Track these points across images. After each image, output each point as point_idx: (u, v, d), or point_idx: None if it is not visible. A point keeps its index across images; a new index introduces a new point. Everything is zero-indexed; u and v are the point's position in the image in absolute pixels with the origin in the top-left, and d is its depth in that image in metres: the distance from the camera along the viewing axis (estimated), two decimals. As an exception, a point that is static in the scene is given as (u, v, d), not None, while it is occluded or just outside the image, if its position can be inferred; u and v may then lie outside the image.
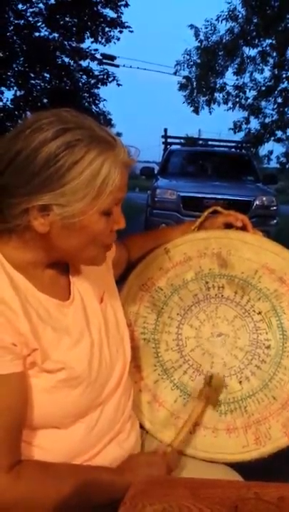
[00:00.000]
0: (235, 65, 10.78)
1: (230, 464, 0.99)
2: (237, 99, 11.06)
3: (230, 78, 11.14)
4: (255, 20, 10.03)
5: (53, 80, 10.56)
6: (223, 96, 11.12)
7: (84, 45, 10.57)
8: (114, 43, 10.58)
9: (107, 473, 0.82)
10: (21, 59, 10.03)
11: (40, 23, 10.14)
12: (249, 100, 11.04)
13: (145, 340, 1.05)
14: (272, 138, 11.17)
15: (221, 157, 8.20)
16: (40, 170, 0.72)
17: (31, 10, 9.98)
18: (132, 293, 1.07)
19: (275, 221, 6.10)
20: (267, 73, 10.83)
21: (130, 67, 14.05)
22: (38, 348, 0.76)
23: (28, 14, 10.02)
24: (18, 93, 10.25)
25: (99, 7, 10.07)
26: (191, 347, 1.03)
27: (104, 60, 11.10)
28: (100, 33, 10.38)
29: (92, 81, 10.83)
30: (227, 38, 10.53)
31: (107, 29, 10.39)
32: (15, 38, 9.89)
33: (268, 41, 10.37)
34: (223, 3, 10.13)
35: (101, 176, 0.74)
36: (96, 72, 10.81)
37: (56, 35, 10.35)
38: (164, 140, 8.68)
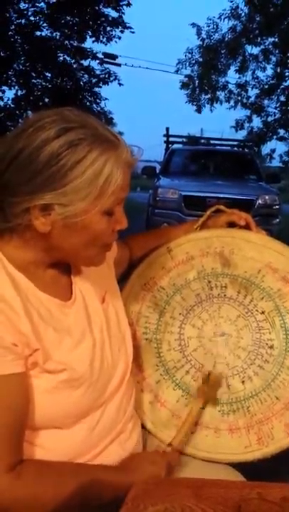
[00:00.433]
0: (238, 64, 10.76)
1: (233, 464, 0.98)
2: (239, 98, 11.04)
3: (232, 76, 11.13)
4: (257, 19, 10.01)
5: (55, 79, 10.56)
6: (226, 94, 11.10)
7: (85, 45, 10.57)
8: (116, 42, 10.57)
9: (109, 473, 0.82)
10: (23, 58, 10.03)
11: (41, 22, 10.14)
12: (251, 99, 11.03)
13: (147, 340, 1.05)
14: (275, 136, 11.15)
15: (223, 156, 8.19)
16: (42, 169, 0.71)
17: (33, 9, 9.98)
18: (134, 292, 1.07)
19: (277, 220, 6.09)
20: (269, 71, 10.82)
21: (132, 66, 14.04)
22: (39, 348, 0.75)
23: (30, 13, 10.01)
24: (20, 92, 10.26)
25: (100, 6, 10.05)
26: (193, 347, 1.03)
27: (105, 59, 11.10)
28: (102, 33, 10.37)
29: (94, 80, 10.82)
30: (229, 36, 10.52)
31: (108, 28, 10.38)
32: (16, 37, 9.89)
33: (271, 39, 10.35)
34: (226, 2, 10.13)
35: (103, 175, 0.74)
36: (97, 72, 10.81)
37: (58, 34, 10.35)
38: (165, 139, 8.68)
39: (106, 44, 10.54)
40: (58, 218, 0.74)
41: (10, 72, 10.03)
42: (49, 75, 10.55)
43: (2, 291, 0.74)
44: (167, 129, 8.72)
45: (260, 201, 6.03)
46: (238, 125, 11.31)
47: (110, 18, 10.27)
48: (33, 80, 10.43)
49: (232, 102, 11.11)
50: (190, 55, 11.01)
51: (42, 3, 9.99)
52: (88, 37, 10.42)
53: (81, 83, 10.82)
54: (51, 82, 10.60)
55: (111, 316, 0.92)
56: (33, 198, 0.72)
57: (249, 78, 10.91)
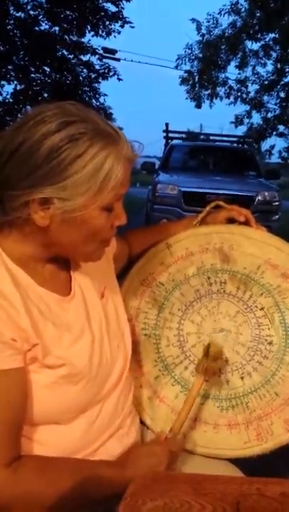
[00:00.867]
0: (238, 59, 10.72)
1: (232, 460, 0.98)
2: (239, 94, 11.01)
3: (232, 72, 11.10)
4: (258, 14, 9.96)
5: (54, 74, 10.50)
6: (225, 90, 11.07)
7: (85, 39, 10.52)
8: (115, 36, 10.52)
9: (108, 468, 0.81)
10: (21, 53, 9.97)
11: (41, 17, 10.08)
12: (251, 94, 11.00)
13: (146, 335, 1.05)
14: (275, 133, 11.12)
15: (223, 152, 8.18)
16: (42, 162, 0.71)
17: (32, 3, 9.91)
18: (133, 288, 1.07)
19: (277, 216, 6.08)
20: (270, 67, 10.78)
21: (131, 61, 13.98)
22: (38, 343, 0.75)
23: (29, 7, 9.95)
24: (19, 87, 10.21)
25: (100, 1, 9.99)
26: (192, 343, 1.03)
27: (105, 54, 11.04)
28: (101, 27, 10.31)
29: (93, 75, 10.77)
30: (229, 32, 10.46)
31: (108, 23, 10.32)
32: (15, 31, 9.82)
33: (271, 35, 10.31)
34: (226, -3, 10.07)
35: (104, 170, 0.73)
36: (97, 67, 10.75)
37: (57, 28, 10.29)
38: (165, 135, 8.67)
39: (105, 39, 10.49)
40: (57, 212, 0.74)
41: (9, 67, 9.98)
42: (48, 69, 10.50)
43: (1, 286, 0.74)
44: (167, 125, 8.71)
45: (259, 197, 6.02)
46: (238, 120, 11.28)
47: (110, 13, 10.20)
48: (32, 75, 10.37)
49: (232, 98, 11.08)
50: (190, 51, 10.96)
51: (41, -3, 9.95)
52: (88, 31, 10.37)
53: (80, 78, 10.77)
54: (50, 76, 10.55)
55: (110, 311, 0.92)
56: (32, 192, 0.72)
57: (249, 74, 10.88)
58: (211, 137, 10.38)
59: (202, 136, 12.64)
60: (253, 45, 10.62)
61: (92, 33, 10.30)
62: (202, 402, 1.00)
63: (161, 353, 1.04)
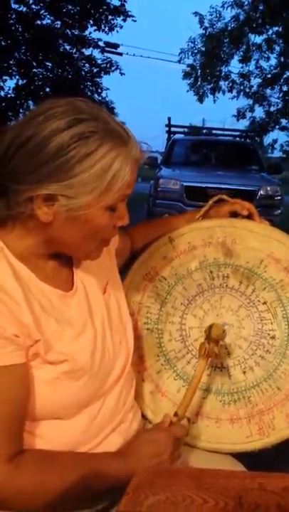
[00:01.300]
0: (241, 53, 10.67)
1: (234, 455, 0.98)
2: (242, 88, 10.97)
3: (235, 66, 11.04)
4: (261, 8, 9.90)
5: (56, 68, 10.47)
6: (228, 84, 11.02)
7: (86, 33, 10.47)
8: (117, 31, 10.47)
9: (111, 460, 0.81)
10: (23, 47, 9.94)
11: (42, 11, 10.03)
12: (254, 88, 10.95)
13: (148, 330, 1.05)
14: (277, 126, 11.08)
15: (225, 146, 8.14)
16: (50, 159, 0.70)
17: (34, -3, 9.88)
18: (136, 282, 1.06)
19: (279, 211, 6.07)
20: (273, 61, 10.73)
21: (133, 55, 13.94)
22: (40, 339, 0.75)
23: (31, 1, 9.91)
24: (20, 82, 10.19)
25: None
26: (194, 337, 1.02)
27: (107, 48, 10.99)
28: (103, 21, 10.26)
29: (95, 70, 10.74)
30: (232, 25, 10.43)
31: (110, 17, 10.27)
32: (17, 25, 9.79)
33: (274, 29, 10.25)
34: (229, -10, 10.01)
35: (112, 171, 0.73)
36: (99, 61, 10.72)
37: (59, 23, 10.25)
38: (167, 129, 8.63)
39: (108, 33, 10.45)
40: (61, 210, 0.73)
41: (10, 62, 9.95)
42: (50, 64, 10.47)
43: (3, 281, 0.74)
44: (169, 119, 8.67)
45: (262, 192, 6.00)
46: (240, 114, 11.24)
47: (112, 7, 10.16)
48: (34, 70, 10.35)
49: (234, 92, 11.04)
50: (192, 44, 10.94)
51: (43, -9, 9.90)
52: (90, 26, 10.33)
53: (82, 73, 10.73)
54: (52, 71, 10.52)
55: (112, 306, 0.91)
56: (37, 187, 0.71)
57: (252, 68, 10.84)
58: (214, 131, 10.33)
59: (204, 131, 12.59)
60: (256, 39, 10.60)
61: (95, 27, 10.26)
62: (204, 396, 1.00)
63: (163, 347, 1.04)
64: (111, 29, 10.43)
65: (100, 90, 10.89)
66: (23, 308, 0.74)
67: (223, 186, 5.65)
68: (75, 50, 10.60)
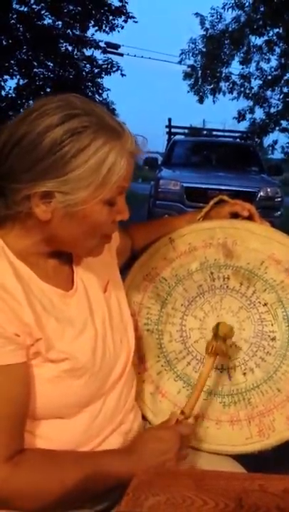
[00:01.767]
0: (241, 54, 10.69)
1: (234, 456, 0.98)
2: (242, 89, 10.98)
3: (235, 67, 11.06)
4: (261, 9, 9.92)
5: (57, 68, 10.48)
6: (228, 85, 11.03)
7: (88, 34, 10.47)
8: (118, 31, 10.47)
9: (113, 458, 0.80)
10: (24, 47, 9.95)
11: (44, 11, 10.04)
12: (254, 89, 10.96)
13: (149, 331, 1.04)
14: (277, 128, 11.09)
15: (226, 147, 8.16)
16: (45, 155, 0.70)
17: (35, -3, 9.88)
18: (136, 283, 1.06)
19: (279, 212, 6.08)
20: (273, 63, 10.75)
21: (134, 56, 13.95)
22: (41, 338, 0.75)
23: (32, 1, 9.91)
24: (21, 82, 10.19)
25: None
26: (195, 338, 1.02)
27: (108, 49, 11.00)
28: (104, 22, 10.27)
29: (96, 70, 10.74)
30: (233, 27, 10.45)
31: (111, 17, 10.28)
32: (18, 25, 9.80)
33: (275, 30, 10.27)
34: (230, -9, 10.03)
35: (106, 164, 0.73)
36: (100, 62, 10.72)
37: (60, 23, 10.25)
38: (168, 130, 8.63)
39: (108, 33, 10.46)
40: (58, 206, 0.73)
41: (11, 62, 9.95)
42: (51, 64, 10.47)
43: (4, 280, 0.74)
44: (169, 120, 8.67)
45: (262, 193, 6.01)
46: (240, 116, 11.25)
47: (113, 7, 10.17)
48: (35, 70, 10.35)
49: (235, 93, 11.06)
50: (193, 46, 10.95)
51: (44, -8, 9.90)
52: (91, 26, 10.33)
53: (83, 73, 10.74)
54: (53, 71, 10.52)
55: (113, 305, 0.91)
56: (34, 185, 0.71)
57: (253, 69, 10.86)
58: (214, 133, 10.34)
59: (205, 132, 12.59)
60: (256, 40, 10.61)
61: (96, 28, 10.26)
62: (204, 398, 0.99)
63: (163, 348, 1.04)
64: (112, 30, 10.43)
65: (100, 91, 10.90)
66: (24, 307, 0.74)
67: (223, 187, 5.65)
68: (76, 51, 10.61)
